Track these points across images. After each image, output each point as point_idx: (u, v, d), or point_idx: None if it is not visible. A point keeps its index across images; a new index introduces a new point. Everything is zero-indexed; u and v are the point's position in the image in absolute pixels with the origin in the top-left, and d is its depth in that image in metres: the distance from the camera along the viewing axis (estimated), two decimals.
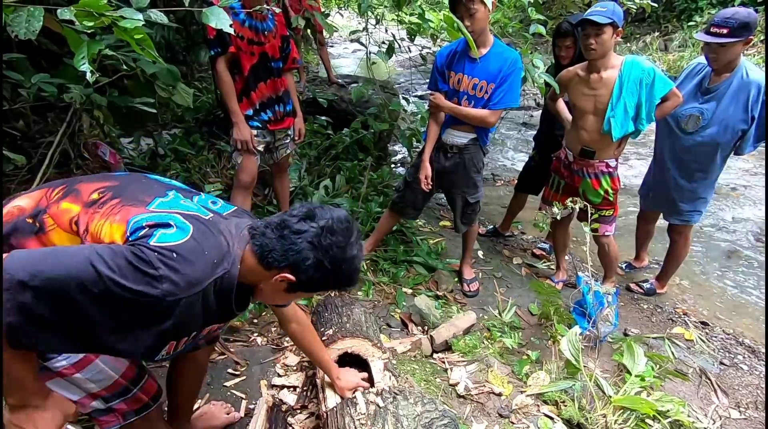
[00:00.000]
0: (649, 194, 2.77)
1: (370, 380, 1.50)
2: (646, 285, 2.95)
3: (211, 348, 1.57)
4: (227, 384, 1.74)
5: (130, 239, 0.87)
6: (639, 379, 1.82)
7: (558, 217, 2.22)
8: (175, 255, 0.84)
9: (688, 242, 2.70)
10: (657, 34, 8.89)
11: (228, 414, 1.59)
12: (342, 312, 1.79)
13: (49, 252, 0.83)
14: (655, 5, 3.05)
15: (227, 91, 2.13)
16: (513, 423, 1.70)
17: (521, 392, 1.84)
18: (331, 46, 9.54)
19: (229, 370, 1.81)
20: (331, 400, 1.42)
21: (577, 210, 2.23)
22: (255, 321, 2.14)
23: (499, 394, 1.82)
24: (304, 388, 1.73)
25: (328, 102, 3.91)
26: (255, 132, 2.24)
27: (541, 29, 2.44)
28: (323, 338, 1.66)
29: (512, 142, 6.16)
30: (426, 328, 2.22)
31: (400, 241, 2.95)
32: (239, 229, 1.00)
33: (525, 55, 2.47)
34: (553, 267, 3.10)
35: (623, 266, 3.20)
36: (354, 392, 1.41)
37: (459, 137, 2.29)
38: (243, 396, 1.70)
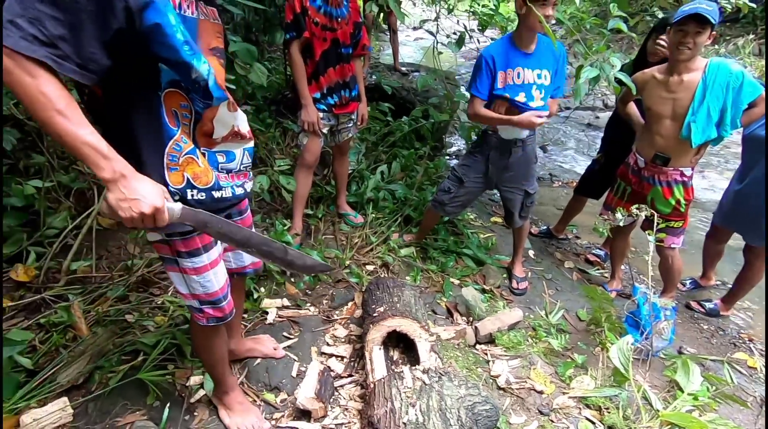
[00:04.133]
0: (730, 211, 2.58)
1: (416, 359, 1.57)
2: (709, 305, 2.78)
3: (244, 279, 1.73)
4: (282, 345, 1.87)
5: None
6: (692, 397, 1.75)
7: (621, 224, 2.15)
8: None
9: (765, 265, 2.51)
10: (752, 36, 8.10)
11: (275, 349, 1.82)
12: (393, 292, 1.86)
13: None
14: (753, 5, 2.81)
15: (299, 74, 2.23)
16: (553, 422, 1.70)
17: (563, 393, 1.83)
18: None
19: (285, 333, 1.94)
20: (379, 372, 1.50)
21: (642, 218, 2.14)
22: (309, 292, 2.26)
23: (541, 392, 1.83)
24: (352, 359, 1.83)
25: (388, 90, 3.95)
26: (321, 115, 2.34)
27: (621, 25, 2.33)
28: (374, 315, 1.74)
29: (574, 143, 5.92)
30: (471, 319, 2.25)
31: (450, 232, 2.97)
32: None
33: (601, 52, 2.38)
34: (606, 275, 3.00)
35: (688, 282, 3.02)
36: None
37: (521, 131, 2.25)
38: (295, 358, 1.83)
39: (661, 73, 2.18)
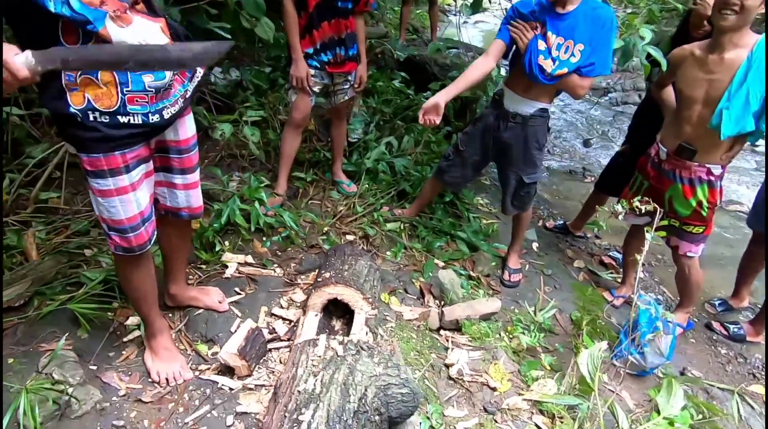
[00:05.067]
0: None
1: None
2: (733, 327, 2.43)
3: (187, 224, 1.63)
4: (229, 300, 1.83)
5: None
6: (667, 422, 1.51)
7: (620, 218, 1.88)
8: None
9: None
10: None
11: (220, 302, 1.77)
12: (346, 260, 1.75)
13: None
14: None
15: (290, 26, 2.13)
16: (496, 422, 1.54)
17: (519, 394, 1.66)
18: (453, 14, 9.22)
19: (236, 289, 1.90)
20: (303, 337, 1.41)
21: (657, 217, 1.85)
22: (279, 253, 2.20)
23: (494, 389, 1.66)
24: (296, 324, 1.75)
25: (421, 64, 3.75)
26: (313, 72, 2.23)
27: None
28: (319, 279, 1.65)
29: (622, 140, 5.41)
30: (443, 303, 2.10)
31: (450, 213, 2.79)
32: None
33: (631, 23, 2.08)
34: (619, 280, 2.71)
35: (716, 304, 2.65)
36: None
37: (526, 106, 2.01)
38: (239, 314, 1.78)
39: (701, 50, 1.85)
